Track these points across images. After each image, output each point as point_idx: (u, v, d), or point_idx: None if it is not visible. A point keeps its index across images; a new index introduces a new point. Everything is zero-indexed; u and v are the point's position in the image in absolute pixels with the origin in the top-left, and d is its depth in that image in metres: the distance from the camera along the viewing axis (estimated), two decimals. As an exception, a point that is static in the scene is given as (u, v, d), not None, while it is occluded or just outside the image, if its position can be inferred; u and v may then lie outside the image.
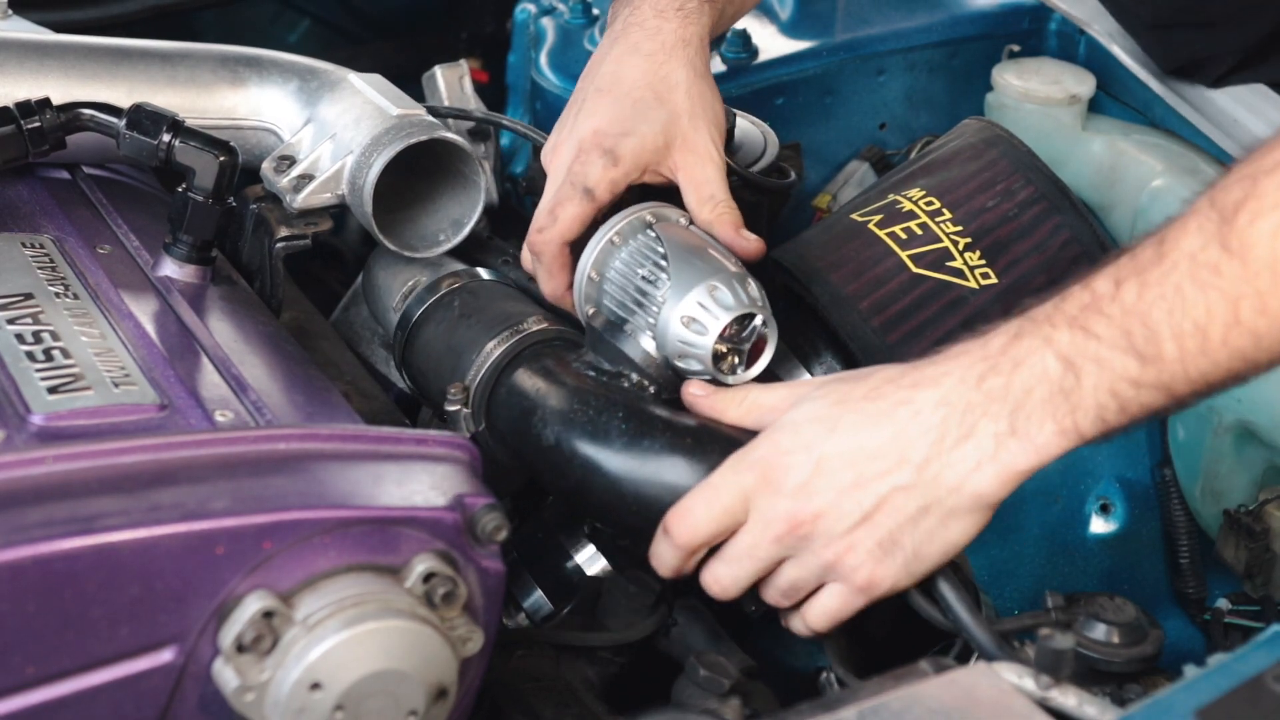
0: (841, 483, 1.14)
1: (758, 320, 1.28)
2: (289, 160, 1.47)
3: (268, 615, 0.99)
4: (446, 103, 1.64)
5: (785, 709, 1.03)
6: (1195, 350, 1.04)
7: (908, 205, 1.46)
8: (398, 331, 1.48)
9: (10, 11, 1.59)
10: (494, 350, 1.37)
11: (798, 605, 1.20)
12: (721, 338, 1.27)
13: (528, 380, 1.34)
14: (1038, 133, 1.70)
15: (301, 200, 1.43)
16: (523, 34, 1.95)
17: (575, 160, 1.40)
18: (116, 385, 1.13)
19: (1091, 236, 1.43)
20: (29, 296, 1.22)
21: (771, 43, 1.88)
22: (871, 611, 1.20)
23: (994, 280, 1.42)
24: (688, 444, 1.22)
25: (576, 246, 1.39)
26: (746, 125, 1.62)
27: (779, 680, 1.35)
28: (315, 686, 0.98)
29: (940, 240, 1.43)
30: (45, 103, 1.33)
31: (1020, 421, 1.10)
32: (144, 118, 1.32)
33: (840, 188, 1.86)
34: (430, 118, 1.47)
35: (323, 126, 1.47)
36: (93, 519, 0.97)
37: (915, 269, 1.42)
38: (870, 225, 1.46)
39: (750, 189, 1.57)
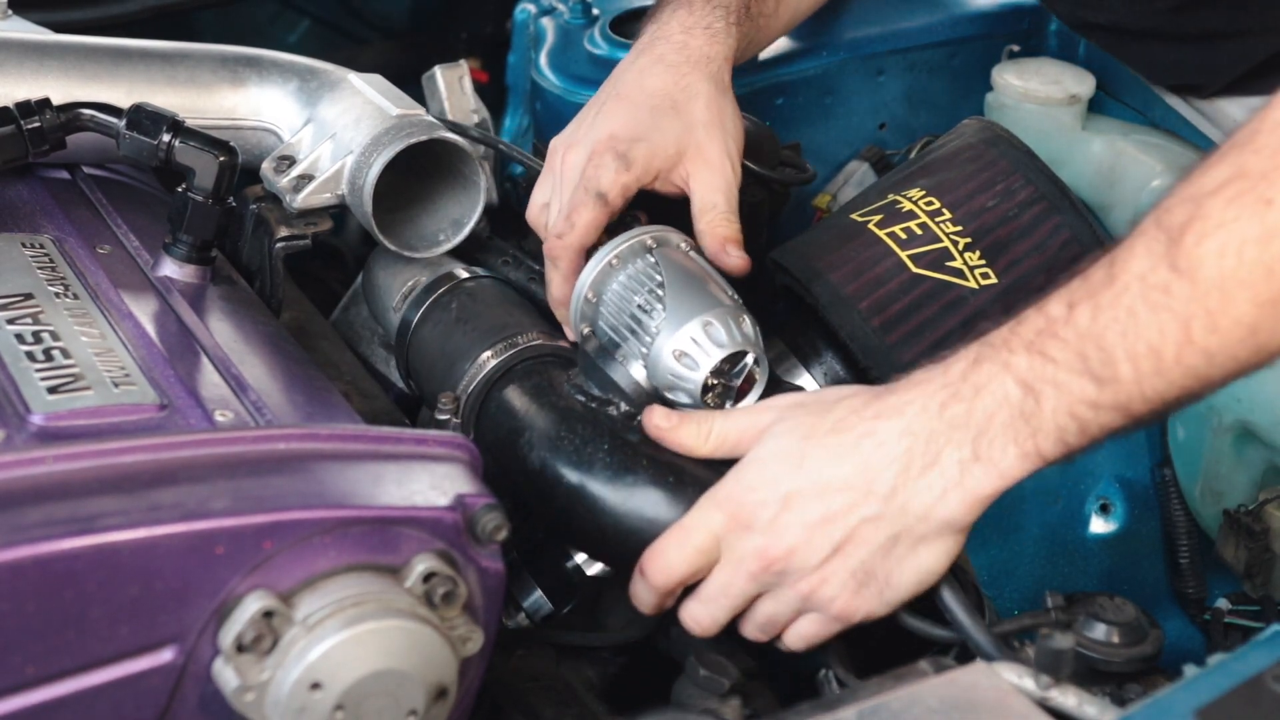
0: (811, 518, 1.15)
1: (749, 358, 1.29)
2: (289, 160, 1.47)
3: (268, 615, 0.99)
4: (447, 103, 1.64)
5: (785, 709, 1.03)
6: (1150, 371, 1.05)
7: (908, 205, 1.46)
8: (398, 332, 1.49)
9: (10, 11, 1.59)
10: (487, 362, 1.38)
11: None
12: (712, 372, 1.28)
13: (518, 398, 1.35)
14: (1038, 133, 1.70)
15: (301, 200, 1.43)
16: (523, 34, 1.95)
17: (589, 163, 1.41)
18: (116, 385, 1.13)
19: (1091, 236, 1.43)
20: (29, 296, 1.22)
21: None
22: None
23: (994, 280, 1.42)
24: (669, 482, 1.24)
25: (592, 251, 1.40)
26: (744, 123, 1.62)
27: (779, 680, 1.35)
28: (315, 686, 0.98)
29: (940, 240, 1.43)
30: (45, 103, 1.33)
31: (983, 447, 1.11)
32: (144, 118, 1.32)
33: (840, 188, 1.86)
34: (430, 118, 1.47)
35: (323, 126, 1.47)
36: (93, 519, 0.97)
37: (915, 269, 1.42)
38: (870, 225, 1.46)
39: (755, 186, 1.57)
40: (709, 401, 1.29)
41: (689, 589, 1.22)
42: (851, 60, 1.88)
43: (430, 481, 1.09)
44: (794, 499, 1.16)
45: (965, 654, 1.16)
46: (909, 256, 1.42)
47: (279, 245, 1.44)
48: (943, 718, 0.96)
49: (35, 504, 0.97)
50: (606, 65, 1.73)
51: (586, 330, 1.36)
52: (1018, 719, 0.97)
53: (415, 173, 1.47)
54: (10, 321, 1.19)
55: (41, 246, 1.31)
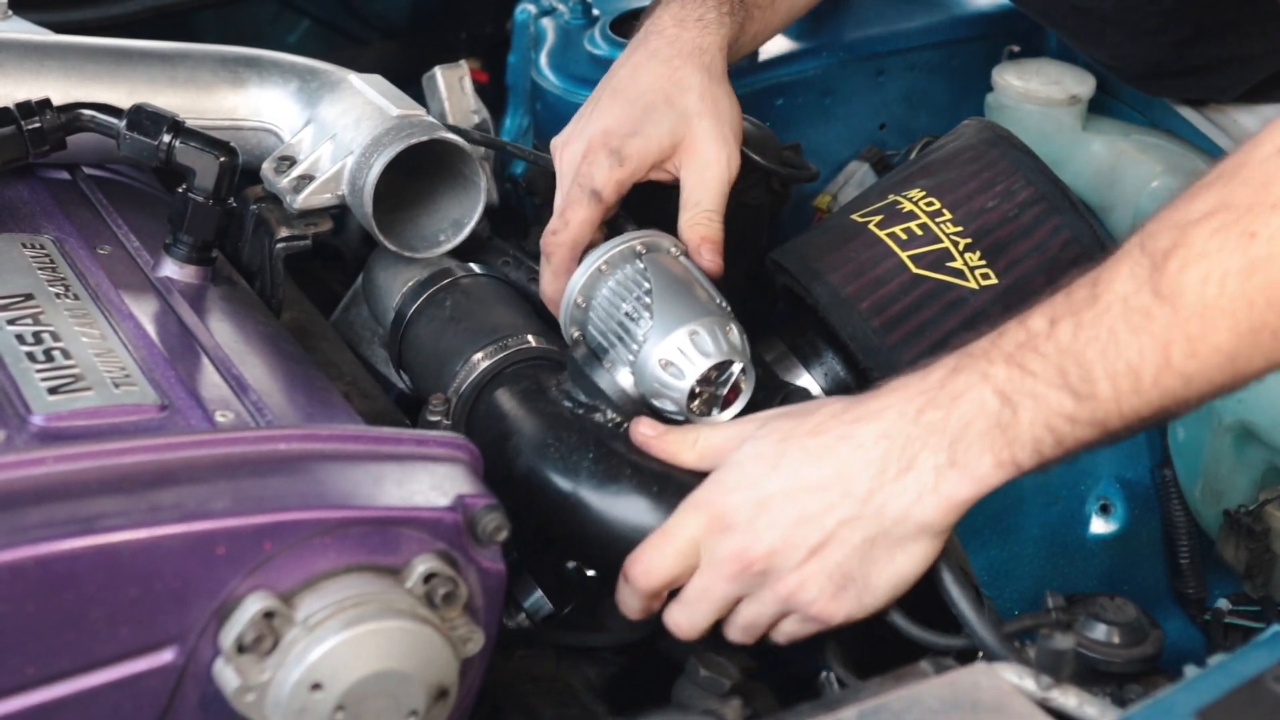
0: (787, 519, 1.15)
1: (735, 368, 1.30)
2: (289, 161, 1.47)
3: (268, 615, 0.99)
4: (447, 103, 1.64)
5: (785, 709, 1.03)
6: (1128, 390, 1.07)
7: (908, 206, 1.46)
8: (392, 327, 1.49)
9: (10, 12, 1.59)
10: (479, 364, 1.38)
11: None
12: (698, 381, 1.29)
13: (507, 402, 1.35)
14: (1038, 133, 1.70)
15: (302, 201, 1.43)
16: (523, 34, 1.95)
17: (583, 160, 1.42)
18: (117, 386, 1.13)
19: (1091, 237, 1.43)
20: (29, 297, 1.22)
21: (771, 43, 1.87)
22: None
23: (994, 281, 1.42)
24: (654, 490, 1.24)
25: (586, 251, 1.40)
26: (745, 125, 1.62)
27: (779, 680, 1.35)
28: (316, 687, 0.98)
29: (940, 241, 1.43)
30: (45, 103, 1.33)
31: (959, 453, 1.11)
32: (144, 118, 1.32)
33: (840, 188, 1.86)
34: (430, 118, 1.47)
35: (323, 127, 1.47)
36: (93, 519, 0.97)
37: (915, 270, 1.42)
38: (870, 226, 1.46)
39: (756, 188, 1.57)
40: (695, 410, 1.30)
41: (675, 593, 1.22)
42: (851, 61, 1.88)
43: (431, 482, 1.09)
44: (771, 500, 1.16)
45: (965, 655, 1.16)
46: (909, 257, 1.42)
47: (279, 246, 1.44)
48: (943, 718, 0.96)
49: (36, 504, 0.97)
50: (606, 65, 1.73)
51: (576, 334, 1.37)
52: (1018, 719, 0.97)
53: (415, 173, 1.47)
54: (11, 322, 1.19)
55: (42, 247, 1.31)
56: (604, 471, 1.26)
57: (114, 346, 1.18)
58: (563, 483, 1.27)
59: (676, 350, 1.29)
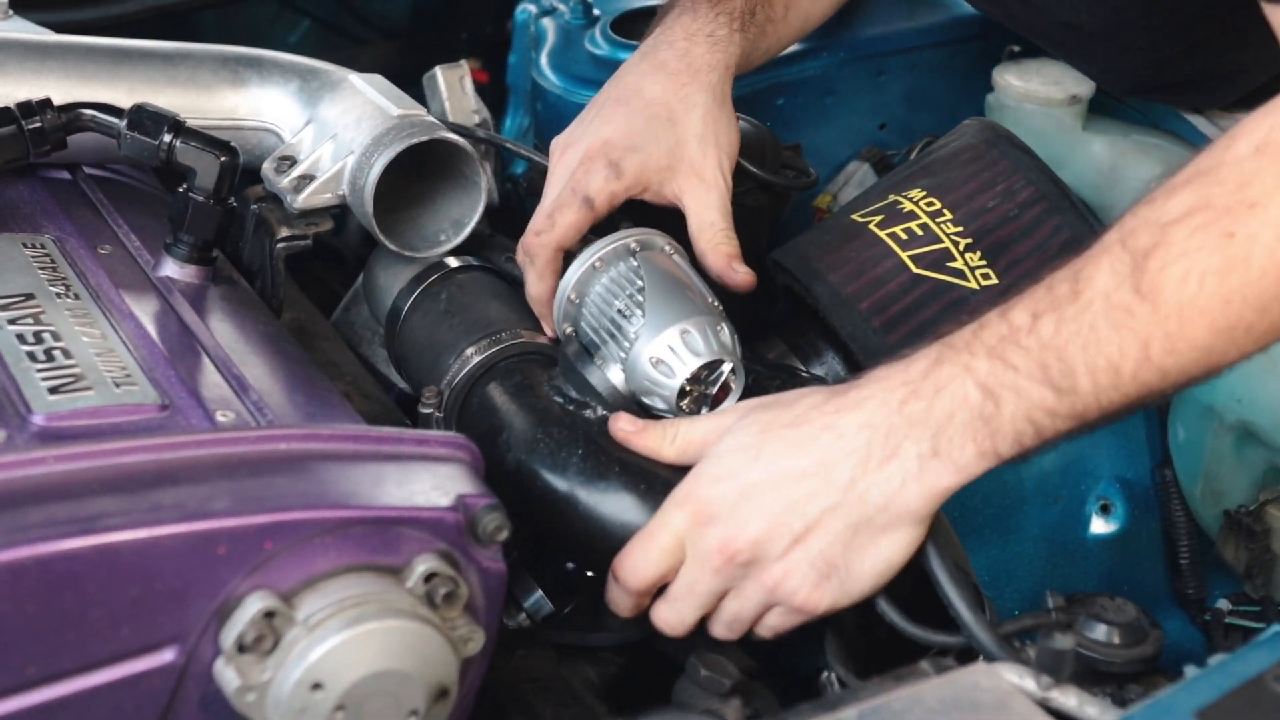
0: (770, 509, 1.16)
1: (725, 367, 1.30)
2: (290, 160, 1.47)
3: (269, 615, 0.99)
4: (447, 103, 1.64)
5: (785, 709, 1.03)
6: (1108, 385, 1.09)
7: (908, 206, 1.46)
8: (388, 321, 1.49)
9: (10, 11, 1.59)
10: (471, 358, 1.38)
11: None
12: (688, 380, 1.29)
13: (499, 397, 1.36)
14: (1038, 133, 1.70)
15: (302, 200, 1.43)
16: (523, 34, 1.95)
17: (580, 166, 1.41)
18: (117, 385, 1.13)
19: (1092, 237, 1.42)
20: (30, 297, 1.23)
21: (772, 43, 1.88)
22: (872, 613, 1.20)
23: (995, 281, 1.42)
24: (641, 488, 1.25)
25: (570, 253, 1.40)
26: (746, 125, 1.62)
27: (779, 680, 1.35)
28: (316, 686, 0.98)
29: (941, 241, 1.43)
30: (46, 103, 1.33)
31: (943, 443, 1.13)
32: (145, 118, 1.32)
33: (840, 188, 1.86)
34: (431, 118, 1.47)
35: (323, 127, 1.47)
36: (93, 519, 0.97)
37: (916, 270, 1.42)
38: (871, 226, 1.46)
39: (756, 190, 1.57)
40: (684, 408, 1.30)
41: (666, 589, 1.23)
42: (852, 60, 1.88)
43: (431, 482, 1.09)
44: (754, 490, 1.16)
45: (966, 655, 1.16)
46: (910, 257, 1.42)
47: (280, 245, 1.44)
48: (943, 718, 0.96)
49: (36, 504, 0.97)
50: (607, 65, 1.73)
51: (569, 330, 1.37)
52: (1018, 719, 0.97)
53: (416, 173, 1.47)
54: (11, 322, 1.19)
55: (42, 247, 1.31)
56: (592, 468, 1.27)
57: (114, 346, 1.18)
58: (551, 478, 1.28)
59: (667, 348, 1.29)
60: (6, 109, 1.32)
